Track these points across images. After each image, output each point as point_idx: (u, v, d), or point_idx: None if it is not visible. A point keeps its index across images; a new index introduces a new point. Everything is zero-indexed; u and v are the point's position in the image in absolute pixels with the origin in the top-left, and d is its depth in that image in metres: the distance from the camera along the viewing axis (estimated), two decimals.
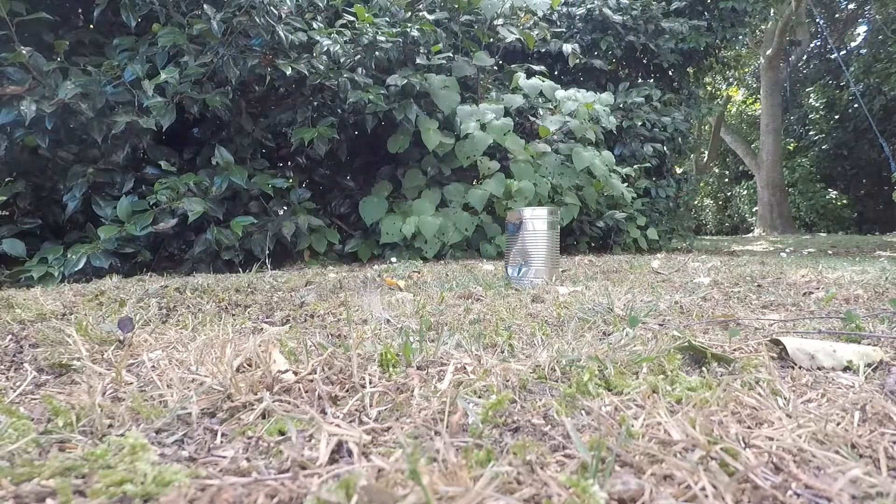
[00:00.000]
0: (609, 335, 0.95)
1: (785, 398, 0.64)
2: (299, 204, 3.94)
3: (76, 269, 2.84)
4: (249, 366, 0.70)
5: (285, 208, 3.98)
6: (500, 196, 4.32)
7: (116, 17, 3.29)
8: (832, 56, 15.96)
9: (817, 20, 15.59)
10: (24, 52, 2.82)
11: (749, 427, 0.55)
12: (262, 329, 0.98)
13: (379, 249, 4.27)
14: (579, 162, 4.56)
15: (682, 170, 7.04)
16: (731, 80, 14.69)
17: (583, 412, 0.59)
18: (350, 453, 0.48)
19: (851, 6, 17.04)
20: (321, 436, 0.49)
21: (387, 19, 4.41)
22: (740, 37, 6.79)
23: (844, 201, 16.37)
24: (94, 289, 1.59)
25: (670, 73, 6.75)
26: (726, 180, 21.18)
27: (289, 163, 4.70)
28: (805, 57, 18.22)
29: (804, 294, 1.53)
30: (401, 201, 4.37)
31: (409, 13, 4.65)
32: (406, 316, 1.06)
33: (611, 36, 6.04)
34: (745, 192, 19.31)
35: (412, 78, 4.10)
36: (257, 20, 3.37)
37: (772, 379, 0.69)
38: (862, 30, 17.25)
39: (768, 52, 14.72)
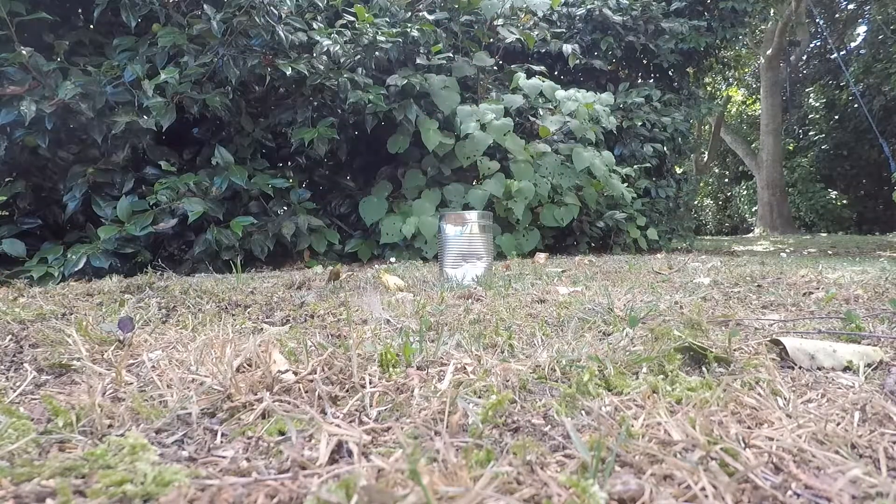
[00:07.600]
0: (609, 335, 0.95)
1: (785, 398, 0.64)
2: (299, 204, 3.94)
3: (76, 269, 2.84)
4: (249, 366, 0.70)
5: (285, 208, 3.98)
6: (500, 196, 4.32)
7: (116, 17, 3.29)
8: (832, 56, 15.96)
9: (817, 20, 15.59)
10: (24, 52, 2.82)
11: (749, 427, 0.55)
12: (262, 329, 0.98)
13: (379, 249, 4.27)
14: (579, 162, 4.56)
15: (682, 170, 7.03)
16: (730, 80, 14.69)
17: (583, 412, 0.59)
18: (350, 453, 0.48)
19: (851, 6, 17.03)
20: (321, 436, 0.49)
21: (387, 19, 4.41)
22: (740, 37, 6.79)
23: (844, 201, 16.37)
24: (94, 289, 1.59)
25: (670, 74, 6.75)
26: (726, 180, 21.17)
27: (289, 163, 4.69)
28: (805, 57, 18.21)
29: (804, 294, 1.53)
30: (401, 201, 4.37)
31: (409, 13, 4.65)
32: (406, 316, 1.06)
33: (611, 36, 6.04)
34: (745, 192, 19.31)
35: (412, 78, 4.10)
36: (257, 20, 3.37)
37: (772, 379, 0.69)
38: (862, 30, 17.24)
39: (768, 52, 14.71)
